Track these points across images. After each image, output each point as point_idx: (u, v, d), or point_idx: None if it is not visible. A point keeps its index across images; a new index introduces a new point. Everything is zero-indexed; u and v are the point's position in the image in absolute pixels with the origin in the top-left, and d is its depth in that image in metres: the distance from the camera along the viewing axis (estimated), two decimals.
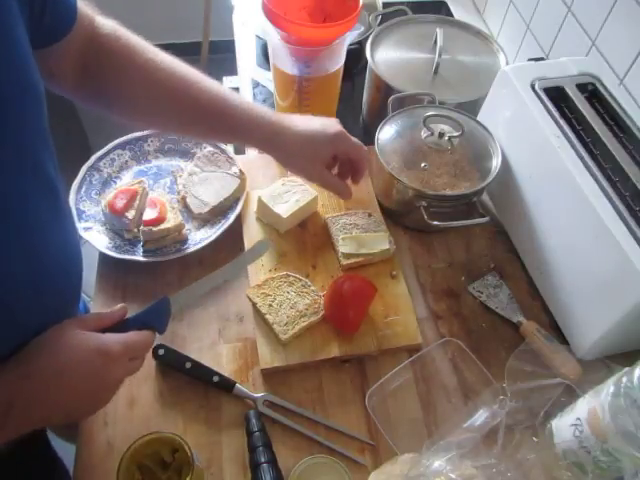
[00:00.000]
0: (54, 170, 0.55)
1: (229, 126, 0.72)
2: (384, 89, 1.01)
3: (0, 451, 0.64)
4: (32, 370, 0.50)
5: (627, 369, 0.56)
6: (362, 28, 1.17)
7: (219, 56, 2.18)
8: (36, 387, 0.50)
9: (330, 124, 0.76)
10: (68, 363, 0.52)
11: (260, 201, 0.86)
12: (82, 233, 0.82)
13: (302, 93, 1.00)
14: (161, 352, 0.73)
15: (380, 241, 0.84)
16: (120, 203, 0.83)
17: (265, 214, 0.87)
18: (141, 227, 0.82)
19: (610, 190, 0.69)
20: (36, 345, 0.52)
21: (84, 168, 0.90)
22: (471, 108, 0.94)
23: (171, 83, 0.69)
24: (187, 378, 0.73)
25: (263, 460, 0.63)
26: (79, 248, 0.63)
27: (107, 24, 0.68)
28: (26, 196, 0.50)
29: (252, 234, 0.87)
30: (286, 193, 0.87)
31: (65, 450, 0.93)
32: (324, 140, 0.74)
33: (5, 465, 0.70)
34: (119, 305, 0.61)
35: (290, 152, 0.75)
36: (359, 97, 1.14)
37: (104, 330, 0.57)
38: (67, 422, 0.57)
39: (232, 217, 0.87)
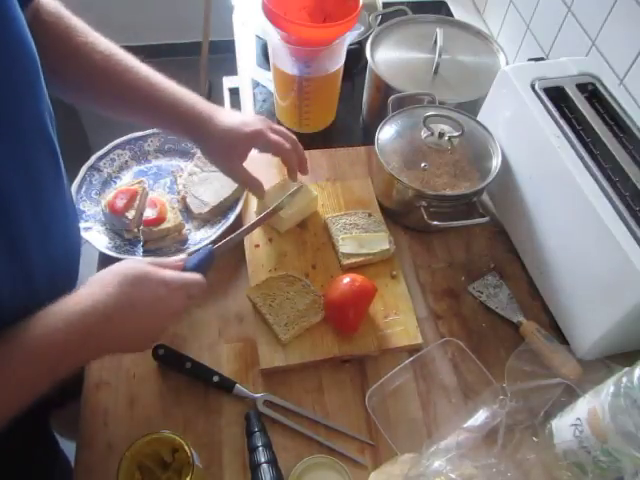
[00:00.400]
0: (55, 136, 0.58)
1: (155, 112, 0.74)
2: (384, 89, 1.01)
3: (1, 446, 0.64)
4: (106, 294, 0.55)
5: (627, 369, 0.56)
6: (362, 28, 1.17)
7: (219, 56, 2.19)
8: (112, 312, 0.55)
9: (251, 121, 0.77)
10: (138, 288, 0.57)
11: (260, 202, 0.86)
12: (82, 233, 0.82)
13: (302, 93, 1.00)
14: (161, 352, 0.73)
15: (380, 241, 0.84)
16: (120, 203, 0.83)
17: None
18: (141, 227, 0.82)
19: (610, 190, 0.69)
20: (108, 272, 0.58)
21: (84, 168, 0.90)
22: (471, 108, 0.94)
23: (105, 65, 0.70)
24: (187, 378, 0.73)
25: (263, 460, 0.63)
26: (79, 231, 0.68)
27: (51, 3, 0.69)
28: (32, 160, 0.54)
29: (252, 234, 0.87)
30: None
31: (66, 442, 0.94)
32: (240, 136, 0.75)
33: (7, 457, 0.70)
34: (181, 256, 0.71)
35: (209, 145, 0.76)
36: (359, 97, 1.14)
37: None
38: (135, 349, 0.62)
39: (232, 217, 0.87)
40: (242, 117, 0.77)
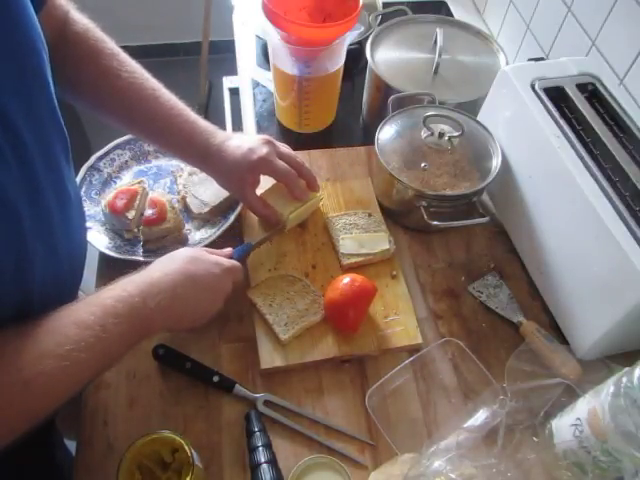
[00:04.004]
0: (62, 120, 0.60)
1: (169, 142, 0.78)
2: (384, 89, 1.01)
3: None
4: (173, 270, 0.64)
5: (627, 369, 0.56)
6: (362, 28, 1.17)
7: (219, 56, 2.19)
8: (177, 283, 0.63)
9: (256, 146, 0.77)
10: (200, 268, 0.66)
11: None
12: None
13: (302, 93, 1.00)
14: (161, 352, 0.73)
15: (380, 241, 0.84)
16: (120, 203, 0.83)
17: None
18: (141, 227, 0.82)
19: (610, 190, 0.69)
20: (169, 255, 0.68)
21: (84, 168, 0.90)
22: (471, 108, 0.94)
23: (126, 94, 0.73)
24: (187, 378, 0.73)
25: (263, 460, 0.63)
26: (83, 210, 0.71)
27: (81, 20, 0.71)
28: (49, 140, 0.57)
29: (252, 234, 0.87)
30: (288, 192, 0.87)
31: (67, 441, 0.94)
32: (246, 167, 0.77)
33: (12, 452, 0.70)
34: (228, 248, 0.76)
35: (219, 174, 0.80)
36: (359, 97, 1.14)
37: None
38: (190, 324, 0.67)
39: (232, 217, 0.87)
40: (248, 143, 0.78)
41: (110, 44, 0.73)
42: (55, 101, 0.58)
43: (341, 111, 1.11)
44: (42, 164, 0.54)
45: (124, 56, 0.74)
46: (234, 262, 0.72)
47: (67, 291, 0.65)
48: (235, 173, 0.77)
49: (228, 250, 0.76)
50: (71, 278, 0.67)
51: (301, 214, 0.85)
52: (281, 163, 0.79)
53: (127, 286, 0.59)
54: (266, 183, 0.83)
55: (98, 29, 0.73)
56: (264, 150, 0.77)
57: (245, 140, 0.79)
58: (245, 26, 1.31)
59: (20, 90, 0.50)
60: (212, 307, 0.68)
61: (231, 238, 0.86)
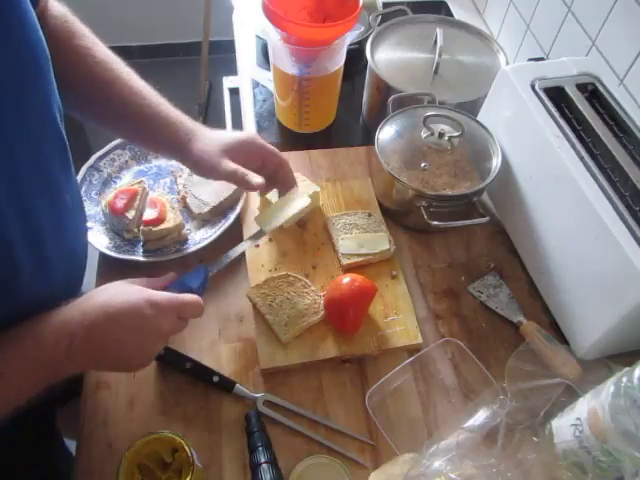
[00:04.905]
0: (64, 130, 0.59)
1: (141, 127, 0.72)
2: (384, 89, 1.01)
3: (6, 436, 0.64)
4: (89, 307, 0.55)
5: (627, 369, 0.56)
6: (362, 28, 1.17)
7: (219, 56, 2.19)
8: (92, 326, 0.54)
9: (244, 133, 0.75)
10: (121, 308, 0.56)
11: (262, 198, 0.87)
12: None
13: (302, 93, 1.00)
14: (161, 352, 0.73)
15: (380, 241, 0.84)
16: (120, 203, 0.83)
17: None
18: (141, 227, 0.82)
19: (610, 190, 0.69)
20: (96, 291, 0.58)
21: (84, 168, 0.90)
22: (471, 108, 0.94)
23: (94, 70, 0.69)
24: (187, 378, 0.73)
25: (263, 460, 0.63)
26: (85, 218, 0.69)
27: (59, 8, 0.69)
28: (45, 152, 0.55)
29: (252, 234, 0.86)
30: None
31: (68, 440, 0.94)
32: (232, 139, 0.73)
33: (13, 452, 0.70)
34: (170, 273, 0.67)
35: (197, 152, 0.72)
36: (359, 97, 1.14)
37: None
38: (118, 367, 0.61)
39: (232, 217, 0.87)
40: (224, 133, 0.75)
41: (84, 30, 0.70)
42: (56, 112, 0.57)
43: (341, 111, 1.11)
44: (34, 177, 0.53)
45: (99, 42, 0.71)
46: (179, 298, 0.61)
47: (63, 300, 0.60)
48: (215, 145, 0.72)
49: (170, 275, 0.67)
50: (66, 288, 0.64)
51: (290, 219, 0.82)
52: (272, 148, 0.76)
53: (41, 324, 0.53)
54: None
55: (75, 17, 0.70)
56: (255, 135, 0.75)
57: (218, 131, 0.75)
58: (245, 26, 1.31)
59: (16, 104, 0.49)
60: (142, 351, 0.59)
61: (231, 238, 0.86)
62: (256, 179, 0.71)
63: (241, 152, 0.73)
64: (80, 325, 0.53)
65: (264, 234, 0.77)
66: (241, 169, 0.70)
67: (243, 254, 0.82)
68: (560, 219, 0.76)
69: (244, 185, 0.72)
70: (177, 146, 0.72)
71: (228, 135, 0.74)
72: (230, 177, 0.71)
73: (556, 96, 0.80)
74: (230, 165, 0.70)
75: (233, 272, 0.83)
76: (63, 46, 0.67)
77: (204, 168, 0.72)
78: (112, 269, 0.83)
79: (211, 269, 0.70)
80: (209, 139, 0.73)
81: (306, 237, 0.87)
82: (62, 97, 0.70)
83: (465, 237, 0.91)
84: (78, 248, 0.67)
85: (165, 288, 0.64)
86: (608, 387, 0.57)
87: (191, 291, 0.64)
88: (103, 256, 0.83)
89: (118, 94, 0.70)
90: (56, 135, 0.58)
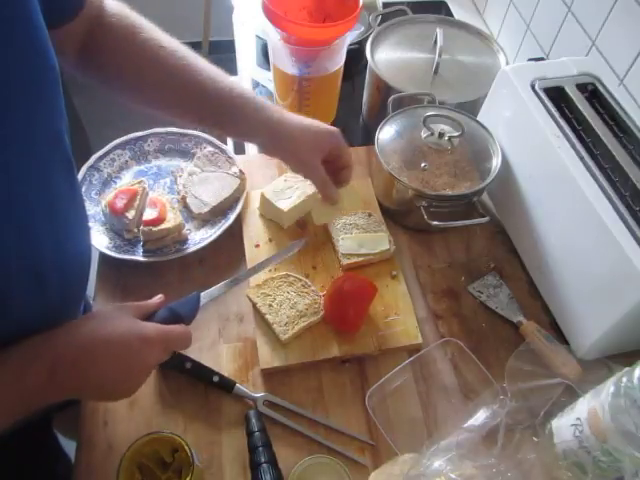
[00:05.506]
0: (70, 146, 0.56)
1: (227, 112, 0.71)
2: (384, 89, 1.01)
3: (3, 440, 0.64)
4: (77, 335, 0.54)
5: (627, 369, 0.56)
6: (362, 28, 1.17)
7: (219, 56, 2.18)
8: (78, 351, 0.53)
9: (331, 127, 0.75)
10: (109, 338, 0.54)
11: (263, 197, 0.87)
12: None
13: (302, 93, 1.00)
14: None
15: (380, 241, 0.84)
16: (120, 203, 0.83)
17: (268, 210, 0.88)
18: (141, 227, 0.82)
19: (610, 190, 0.69)
20: (85, 318, 0.56)
21: (84, 168, 0.90)
22: (471, 108, 0.94)
23: (172, 62, 0.68)
24: (187, 378, 0.73)
25: (263, 460, 0.63)
26: (90, 235, 0.66)
27: (116, 5, 0.68)
28: (48, 173, 0.52)
29: (252, 234, 0.87)
30: (288, 189, 0.87)
31: (66, 442, 0.94)
32: (326, 132, 0.74)
33: (9, 454, 0.70)
34: (159, 295, 0.65)
35: (291, 140, 0.72)
36: (359, 97, 1.14)
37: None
38: (100, 397, 0.60)
39: (232, 217, 0.87)
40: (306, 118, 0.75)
41: (147, 23, 0.69)
42: (62, 129, 0.54)
43: (341, 111, 1.11)
44: (34, 198, 0.50)
45: (162, 33, 0.70)
46: (168, 331, 0.59)
47: (59, 317, 0.58)
48: (310, 137, 0.73)
49: (158, 298, 0.65)
50: (64, 305, 0.61)
51: (301, 208, 0.87)
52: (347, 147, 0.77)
53: (24, 351, 0.51)
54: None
55: (134, 12, 0.69)
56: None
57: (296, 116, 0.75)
58: (245, 26, 1.31)
59: (19, 131, 0.46)
60: (127, 383, 0.57)
61: (231, 238, 0.86)
62: (336, 195, 0.76)
63: (326, 147, 0.74)
64: (63, 356, 0.51)
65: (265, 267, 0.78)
66: (329, 181, 0.75)
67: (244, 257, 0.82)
68: (560, 219, 0.76)
69: (325, 194, 0.76)
70: (267, 131, 0.72)
71: (318, 127, 0.74)
72: (317, 183, 0.75)
73: (556, 96, 0.80)
74: (322, 172, 0.74)
75: (233, 272, 0.83)
76: (131, 43, 0.67)
77: (298, 163, 0.75)
78: (112, 269, 0.83)
79: (204, 298, 0.68)
80: (300, 129, 0.72)
81: (306, 237, 0.87)
82: (126, 94, 0.70)
83: (465, 237, 0.91)
84: (80, 264, 0.63)
85: (154, 314, 0.63)
86: (608, 387, 0.57)
87: (180, 319, 0.63)
88: (103, 256, 0.83)
89: (197, 80, 0.69)
90: (61, 151, 0.55)
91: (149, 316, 0.62)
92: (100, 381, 0.55)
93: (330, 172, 0.75)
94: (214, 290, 0.70)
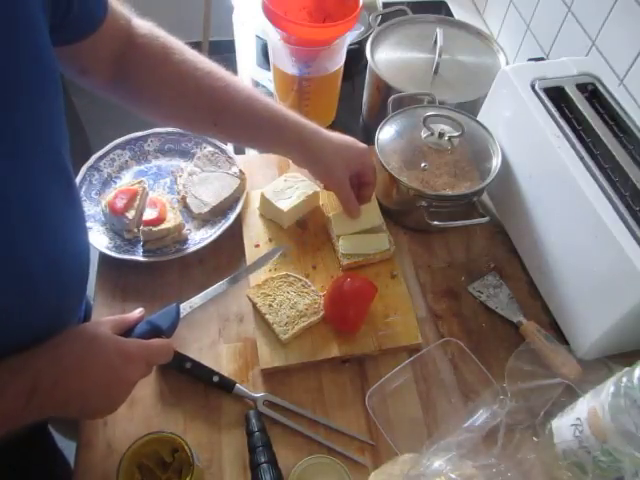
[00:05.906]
0: (67, 155, 0.56)
1: (261, 126, 0.73)
2: (384, 89, 1.01)
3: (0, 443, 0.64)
4: (58, 355, 0.53)
5: (627, 369, 0.56)
6: (362, 28, 1.17)
7: (219, 56, 2.18)
8: (59, 372, 0.52)
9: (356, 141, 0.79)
10: (91, 355, 0.55)
11: (263, 197, 0.87)
12: None
13: (302, 93, 1.00)
14: None
15: (380, 241, 0.84)
16: (120, 203, 0.83)
17: (268, 210, 0.88)
18: (141, 227, 0.82)
19: (610, 190, 0.69)
20: (66, 334, 0.55)
21: (84, 168, 0.90)
22: (471, 108, 0.94)
23: (209, 83, 0.70)
24: (187, 378, 0.73)
25: (263, 460, 0.63)
26: (88, 240, 0.66)
27: (144, 24, 0.69)
28: (41, 181, 0.52)
29: (252, 234, 0.87)
30: (288, 189, 0.88)
31: (66, 442, 0.94)
32: (357, 151, 0.78)
33: (5, 456, 0.70)
34: (139, 309, 0.66)
35: (324, 154, 0.76)
36: (359, 97, 1.14)
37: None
38: (82, 416, 0.60)
39: (232, 217, 0.87)
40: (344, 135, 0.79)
41: (177, 43, 0.70)
42: (62, 146, 0.53)
43: (341, 111, 1.11)
44: (26, 218, 0.49)
45: (193, 52, 0.72)
46: (149, 349, 0.60)
47: (59, 317, 0.59)
48: (343, 153, 0.77)
49: (138, 311, 0.66)
50: (65, 306, 0.61)
51: (301, 208, 0.87)
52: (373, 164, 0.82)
53: (6, 370, 0.50)
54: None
55: (162, 30, 0.70)
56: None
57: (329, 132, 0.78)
58: (245, 26, 1.30)
59: (14, 151, 0.46)
60: (108, 400, 0.57)
61: (231, 238, 0.86)
62: (357, 211, 0.81)
63: (357, 167, 0.79)
64: (43, 376, 0.51)
65: (244, 276, 0.80)
66: (354, 197, 0.79)
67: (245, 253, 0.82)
68: (560, 219, 0.76)
69: (347, 209, 0.81)
70: (300, 146, 0.75)
71: (351, 146, 0.78)
72: (342, 198, 0.80)
73: (556, 96, 0.80)
74: (349, 188, 0.78)
75: (233, 272, 0.83)
76: (166, 65, 0.68)
77: (327, 178, 0.79)
78: (112, 269, 0.83)
79: (184, 308, 0.69)
80: (333, 146, 0.76)
81: (306, 237, 0.87)
82: (161, 114, 0.72)
83: (465, 237, 0.91)
84: (76, 267, 0.62)
85: (133, 329, 0.63)
86: (608, 387, 0.57)
87: (161, 331, 0.64)
88: (103, 256, 0.83)
89: (234, 99, 0.71)
90: (59, 168, 0.54)
91: (128, 330, 0.62)
92: (82, 400, 0.55)
93: (352, 186, 0.80)
94: (195, 300, 0.72)
